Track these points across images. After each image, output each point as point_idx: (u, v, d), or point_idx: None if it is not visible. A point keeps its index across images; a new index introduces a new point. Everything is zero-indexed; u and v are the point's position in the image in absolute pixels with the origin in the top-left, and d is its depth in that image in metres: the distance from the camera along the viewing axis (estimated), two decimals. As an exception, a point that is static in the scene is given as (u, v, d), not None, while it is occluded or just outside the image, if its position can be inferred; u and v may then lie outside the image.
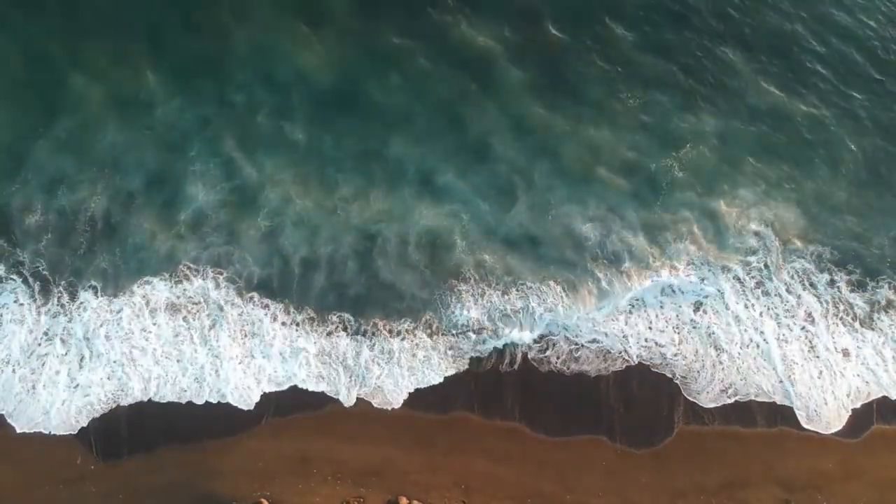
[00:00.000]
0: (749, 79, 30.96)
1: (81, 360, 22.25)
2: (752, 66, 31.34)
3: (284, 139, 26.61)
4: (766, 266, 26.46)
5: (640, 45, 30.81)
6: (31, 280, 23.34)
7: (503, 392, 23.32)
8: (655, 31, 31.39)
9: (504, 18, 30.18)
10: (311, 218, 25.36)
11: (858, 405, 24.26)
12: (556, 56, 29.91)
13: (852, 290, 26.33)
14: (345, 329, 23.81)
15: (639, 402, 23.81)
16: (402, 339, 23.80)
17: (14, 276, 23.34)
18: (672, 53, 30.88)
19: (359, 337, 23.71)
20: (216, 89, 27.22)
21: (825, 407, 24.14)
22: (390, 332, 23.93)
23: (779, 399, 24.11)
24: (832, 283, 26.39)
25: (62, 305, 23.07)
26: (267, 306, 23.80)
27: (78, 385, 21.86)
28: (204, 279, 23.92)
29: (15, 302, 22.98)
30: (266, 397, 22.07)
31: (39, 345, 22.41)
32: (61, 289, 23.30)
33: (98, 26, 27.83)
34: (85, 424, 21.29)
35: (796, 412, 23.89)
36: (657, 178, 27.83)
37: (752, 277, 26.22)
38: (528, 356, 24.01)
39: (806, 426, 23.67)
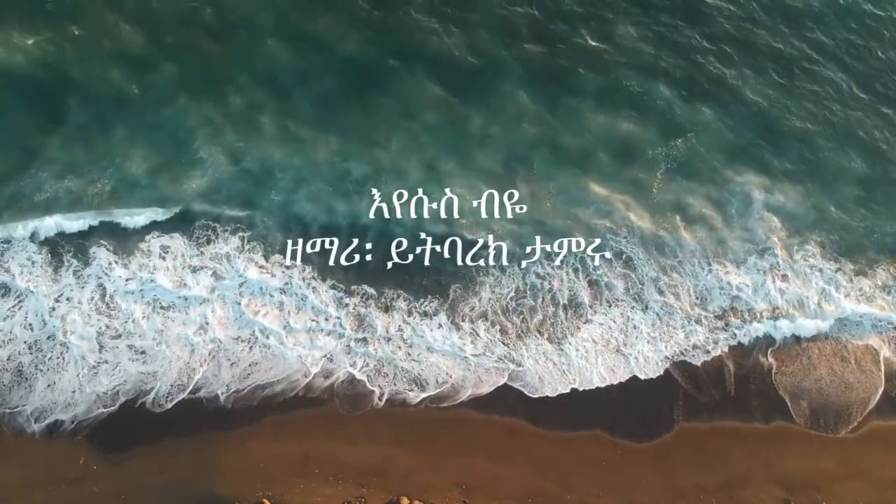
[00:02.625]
0: (752, 71, 30.81)
1: (101, 332, 22.05)
2: (755, 59, 31.17)
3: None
4: (777, 254, 26.90)
5: (643, 37, 30.59)
6: (41, 243, 23.20)
7: (504, 386, 23.33)
8: (658, 23, 31.12)
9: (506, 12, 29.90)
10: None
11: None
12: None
13: (856, 275, 27.04)
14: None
15: (639, 396, 23.83)
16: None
17: (26, 240, 23.15)
18: (674, 46, 30.64)
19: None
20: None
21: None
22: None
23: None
24: (839, 270, 27.07)
25: (75, 272, 22.88)
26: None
27: (106, 362, 21.79)
28: (225, 241, 23.97)
29: (28, 262, 22.82)
30: (266, 397, 22.09)
31: (54, 308, 22.12)
32: (70, 258, 23.06)
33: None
34: (115, 408, 21.28)
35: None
36: (659, 165, 27.91)
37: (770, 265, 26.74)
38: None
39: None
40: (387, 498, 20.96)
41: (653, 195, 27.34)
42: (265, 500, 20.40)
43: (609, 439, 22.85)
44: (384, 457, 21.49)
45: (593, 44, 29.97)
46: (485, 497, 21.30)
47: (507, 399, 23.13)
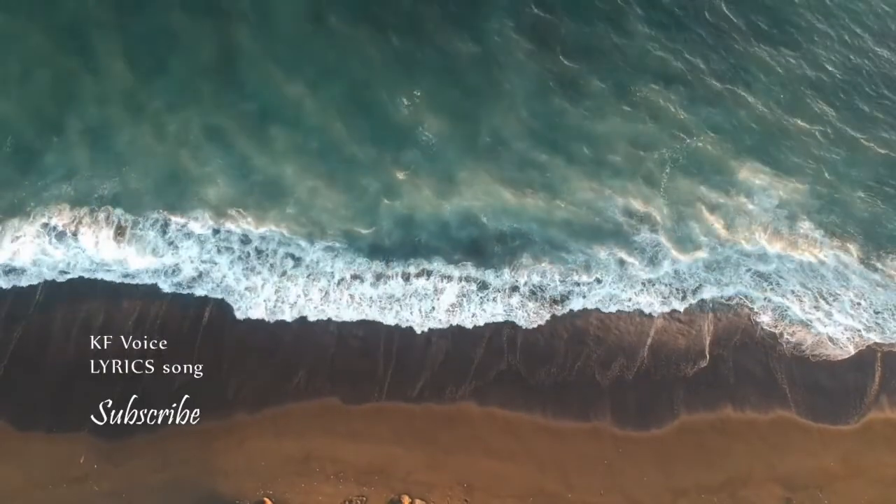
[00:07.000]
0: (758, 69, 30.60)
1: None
2: (760, 56, 30.89)
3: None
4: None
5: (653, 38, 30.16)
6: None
7: (503, 379, 23.29)
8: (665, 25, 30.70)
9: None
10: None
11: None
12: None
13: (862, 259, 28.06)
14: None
15: (639, 387, 23.80)
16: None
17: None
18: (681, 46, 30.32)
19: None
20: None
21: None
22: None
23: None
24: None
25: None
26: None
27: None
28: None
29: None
30: (264, 399, 21.96)
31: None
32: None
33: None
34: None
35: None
36: (664, 161, 27.93)
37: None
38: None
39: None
40: (388, 496, 20.96)
41: (660, 186, 27.45)
42: (266, 499, 20.41)
43: (609, 432, 22.84)
44: (385, 455, 21.45)
45: (603, 45, 29.48)
46: (486, 495, 21.31)
47: (507, 392, 23.08)
